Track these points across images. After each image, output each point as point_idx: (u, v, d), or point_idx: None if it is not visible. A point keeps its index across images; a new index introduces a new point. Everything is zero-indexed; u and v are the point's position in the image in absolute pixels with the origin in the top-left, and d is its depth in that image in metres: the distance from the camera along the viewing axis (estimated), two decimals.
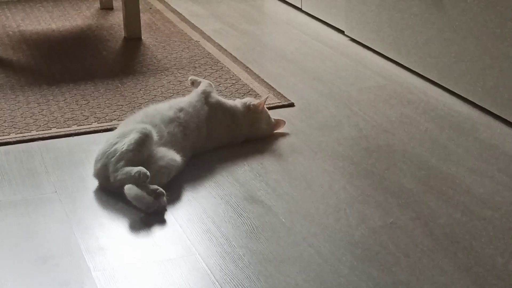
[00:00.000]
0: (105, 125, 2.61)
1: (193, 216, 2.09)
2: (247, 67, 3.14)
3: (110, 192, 2.18)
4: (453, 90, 2.81)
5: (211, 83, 2.55)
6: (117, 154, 2.15)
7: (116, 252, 1.94)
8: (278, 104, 2.77)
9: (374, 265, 1.85)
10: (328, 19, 3.64)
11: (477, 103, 2.70)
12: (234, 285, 1.79)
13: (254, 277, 1.82)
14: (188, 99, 2.46)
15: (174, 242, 1.97)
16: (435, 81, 2.91)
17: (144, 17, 3.79)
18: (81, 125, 2.62)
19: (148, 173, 2.08)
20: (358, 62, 3.19)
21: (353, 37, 3.42)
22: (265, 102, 2.53)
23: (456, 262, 1.86)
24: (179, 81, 3.00)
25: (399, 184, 2.22)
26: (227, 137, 2.48)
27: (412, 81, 2.97)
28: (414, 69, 3.03)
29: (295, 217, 2.07)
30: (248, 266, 1.86)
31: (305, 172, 2.31)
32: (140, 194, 2.09)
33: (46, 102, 2.81)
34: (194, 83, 2.55)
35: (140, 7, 3.60)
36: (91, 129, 2.59)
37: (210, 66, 3.16)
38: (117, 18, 3.84)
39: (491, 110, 2.64)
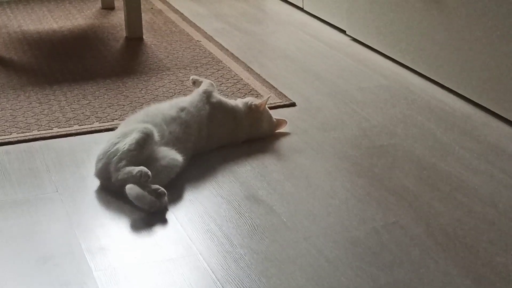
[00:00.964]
0: (107, 124, 2.61)
1: (194, 216, 2.08)
2: (248, 67, 3.14)
3: (111, 192, 2.18)
4: (455, 90, 2.81)
5: (213, 82, 2.55)
6: (118, 154, 2.15)
7: (117, 252, 1.94)
8: (279, 103, 2.77)
9: (376, 265, 1.85)
10: (329, 19, 3.64)
11: (479, 102, 2.69)
12: (236, 284, 1.79)
13: (255, 277, 1.81)
14: (189, 99, 2.46)
15: (175, 242, 1.97)
16: (437, 80, 2.90)
17: (145, 17, 3.79)
18: (83, 125, 2.62)
19: (150, 173, 2.08)
20: (360, 62, 3.19)
21: (354, 37, 3.42)
22: (266, 102, 2.52)
23: (457, 262, 1.85)
24: (181, 80, 3.00)
25: (401, 183, 2.22)
26: (228, 137, 2.47)
27: (414, 81, 2.97)
28: (415, 69, 3.02)
29: (297, 217, 2.06)
30: (249, 265, 1.86)
31: (307, 171, 2.31)
32: (141, 193, 2.09)
33: (48, 101, 2.81)
34: (196, 83, 2.55)
35: (142, 7, 3.60)
36: (93, 129, 2.59)
37: (211, 65, 3.16)
38: (118, 17, 3.83)
39: (493, 110, 2.63)
